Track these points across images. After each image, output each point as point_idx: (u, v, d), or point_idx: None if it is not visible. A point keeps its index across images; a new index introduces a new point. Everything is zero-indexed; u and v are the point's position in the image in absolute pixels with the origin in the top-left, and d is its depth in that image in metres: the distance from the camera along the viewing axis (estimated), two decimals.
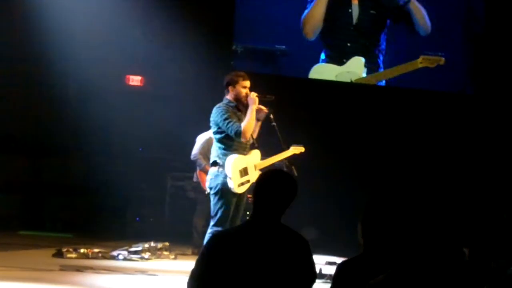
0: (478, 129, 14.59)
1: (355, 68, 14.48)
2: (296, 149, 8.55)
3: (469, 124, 14.62)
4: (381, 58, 14.67)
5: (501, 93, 14.64)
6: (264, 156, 8.48)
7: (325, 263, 10.17)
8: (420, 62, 14.39)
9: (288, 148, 8.51)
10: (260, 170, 8.21)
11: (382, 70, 14.69)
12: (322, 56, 14.64)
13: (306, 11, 14.40)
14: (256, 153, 8.33)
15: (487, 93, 14.69)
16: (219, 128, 8.15)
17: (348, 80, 14.47)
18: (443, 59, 14.36)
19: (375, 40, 14.65)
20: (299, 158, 8.73)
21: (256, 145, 8.35)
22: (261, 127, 8.38)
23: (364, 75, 14.52)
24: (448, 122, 14.68)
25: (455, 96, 14.79)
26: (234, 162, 8.03)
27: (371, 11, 14.55)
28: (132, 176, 14.73)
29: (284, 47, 14.71)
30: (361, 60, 14.49)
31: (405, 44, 14.85)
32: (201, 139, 11.35)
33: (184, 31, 13.59)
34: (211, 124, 8.27)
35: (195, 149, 11.32)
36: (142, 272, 9.05)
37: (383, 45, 14.64)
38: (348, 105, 14.68)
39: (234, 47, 14.62)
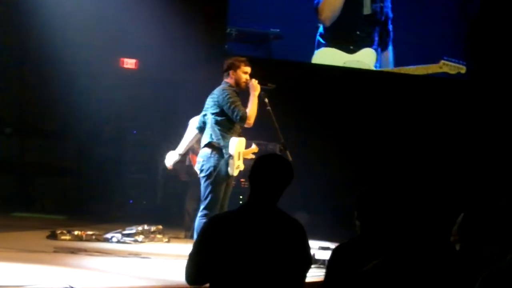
0: (473, 115, 14.61)
1: (366, 59, 14.52)
2: (256, 148, 8.63)
3: (465, 109, 14.64)
4: (391, 47, 14.72)
5: (496, 77, 14.65)
6: (256, 140, 8.54)
7: (318, 248, 10.18)
8: (440, 67, 14.44)
9: (278, 137, 8.56)
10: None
11: (391, 59, 14.73)
12: (320, 38, 14.62)
13: None
14: (243, 141, 8.35)
15: (482, 78, 14.70)
16: (221, 110, 8.15)
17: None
18: (464, 68, 14.43)
19: (384, 30, 14.68)
20: (293, 142, 8.76)
21: (241, 133, 8.39)
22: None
23: (374, 68, 14.57)
24: (444, 107, 14.70)
25: (450, 82, 14.80)
26: (237, 144, 8.08)
27: (380, 4, 14.60)
28: (125, 158, 14.74)
29: (278, 30, 14.70)
30: (374, 52, 14.54)
31: (401, 30, 14.87)
32: (193, 122, 11.32)
33: (179, 14, 13.55)
34: (212, 105, 8.22)
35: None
36: (136, 255, 9.05)
37: (391, 35, 14.68)
38: (343, 90, 14.70)
39: (228, 30, 14.61)
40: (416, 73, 14.67)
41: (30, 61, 14.50)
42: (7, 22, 14.18)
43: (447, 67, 14.51)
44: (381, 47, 14.74)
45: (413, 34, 14.80)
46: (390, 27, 14.73)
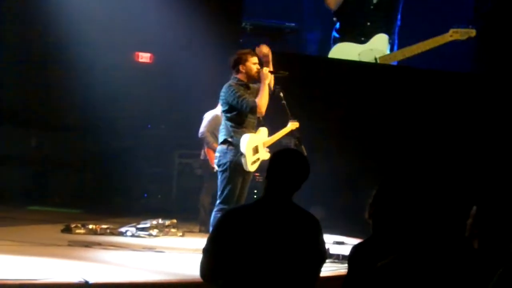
0: (487, 110, 14.53)
1: (379, 45, 14.49)
2: (293, 125, 8.55)
3: (479, 103, 14.56)
4: (396, 34, 14.66)
5: (509, 72, 14.57)
6: (271, 133, 8.49)
7: (332, 243, 10.16)
8: (450, 35, 14.36)
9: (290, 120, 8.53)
10: (267, 147, 8.24)
11: (396, 47, 14.68)
12: (335, 33, 14.60)
13: None
14: (264, 131, 8.36)
15: (496, 72, 14.62)
16: (230, 106, 8.14)
17: (372, 58, 14.50)
18: (474, 31, 14.32)
19: (393, 18, 14.62)
20: (308, 136, 8.73)
21: (262, 122, 8.36)
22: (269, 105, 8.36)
23: (387, 51, 14.50)
24: (458, 102, 14.62)
25: (463, 76, 14.73)
26: (248, 141, 8.05)
27: None
28: (140, 152, 14.76)
29: (293, 24, 14.67)
30: (385, 37, 14.51)
31: (414, 21, 14.81)
32: (208, 116, 11.33)
33: (194, 8, 13.54)
34: (221, 103, 8.26)
35: (202, 127, 11.30)
36: (150, 248, 9.05)
37: (399, 22, 14.63)
38: (359, 84, 14.65)
39: (243, 24, 14.58)
40: (428, 47, 14.58)
41: (47, 57, 14.53)
42: (27, 20, 14.24)
43: (458, 34, 14.43)
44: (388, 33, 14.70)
45: (422, 8, 14.72)
46: (399, 17, 14.66)
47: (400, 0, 14.71)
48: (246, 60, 8.24)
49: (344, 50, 14.62)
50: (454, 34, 14.41)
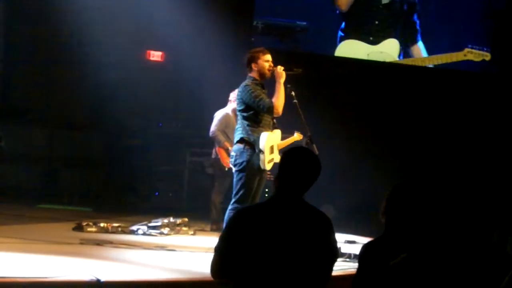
0: (499, 110, 14.48)
1: (389, 50, 14.46)
2: (299, 136, 8.60)
3: (492, 104, 14.51)
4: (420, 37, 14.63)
5: None
6: (283, 133, 8.52)
7: (344, 242, 10.15)
8: (465, 54, 14.34)
9: (304, 130, 8.54)
10: (279, 150, 8.25)
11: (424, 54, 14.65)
12: (340, 33, 14.58)
13: None
14: (278, 133, 8.39)
15: (509, 72, 14.58)
16: (247, 106, 8.14)
17: (381, 60, 14.45)
18: (488, 54, 14.31)
19: (408, 22, 14.58)
20: (320, 136, 8.74)
21: (275, 125, 8.36)
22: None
23: (397, 58, 14.49)
24: (473, 102, 14.57)
25: (478, 75, 14.69)
26: (267, 138, 8.06)
27: None
28: (151, 151, 14.76)
29: (304, 23, 14.65)
30: (397, 43, 14.48)
31: (424, 21, 14.78)
32: (218, 115, 11.32)
33: (205, 7, 13.55)
34: (237, 102, 8.26)
35: (213, 126, 11.29)
36: (161, 247, 9.06)
37: (419, 27, 14.59)
38: (369, 83, 14.63)
39: (255, 23, 14.58)
40: (440, 61, 14.57)
41: (57, 55, 14.55)
42: (38, 18, 14.28)
43: (472, 54, 14.41)
44: (408, 40, 14.64)
45: (437, 23, 14.70)
46: (416, 19, 14.61)
47: (415, 4, 14.66)
48: (258, 58, 8.25)
49: (351, 48, 14.58)
50: (468, 54, 14.39)
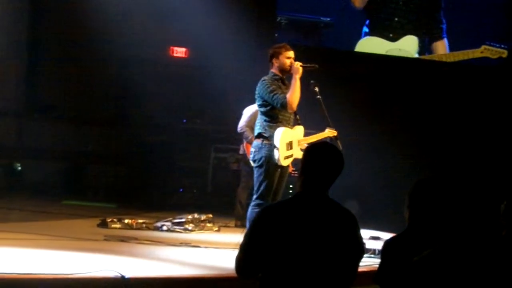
0: None
1: (407, 47, 14.40)
2: (331, 132, 8.52)
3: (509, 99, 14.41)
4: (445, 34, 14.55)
5: None
6: (306, 129, 8.45)
7: (369, 238, 10.09)
8: (481, 51, 14.27)
9: (328, 126, 8.48)
10: (301, 147, 8.19)
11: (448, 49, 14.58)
12: (365, 29, 14.53)
13: None
14: (300, 129, 8.33)
15: None
16: (264, 101, 8.13)
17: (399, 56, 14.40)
18: (506, 52, 14.22)
19: (431, 18, 14.50)
20: (344, 131, 8.69)
21: (299, 121, 8.32)
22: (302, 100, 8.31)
23: (416, 54, 14.42)
24: (492, 97, 14.47)
25: (495, 70, 14.59)
26: (282, 134, 8.03)
27: None
28: (176, 147, 14.78)
29: (328, 19, 14.60)
30: (415, 39, 14.41)
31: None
32: (248, 111, 11.30)
33: (229, 3, 13.54)
34: (256, 97, 8.25)
35: (242, 122, 11.27)
36: (186, 243, 9.06)
37: (444, 25, 14.50)
38: (394, 78, 14.55)
39: (278, 18, 14.55)
40: (457, 58, 14.50)
41: (84, 52, 14.60)
42: (64, 16, 14.34)
43: (489, 51, 14.33)
44: (430, 37, 14.56)
45: (455, 20, 14.61)
46: (442, 14, 14.53)
47: (439, 4, 14.59)
48: (279, 54, 8.25)
49: (371, 44, 14.54)
50: (485, 51, 14.31)
